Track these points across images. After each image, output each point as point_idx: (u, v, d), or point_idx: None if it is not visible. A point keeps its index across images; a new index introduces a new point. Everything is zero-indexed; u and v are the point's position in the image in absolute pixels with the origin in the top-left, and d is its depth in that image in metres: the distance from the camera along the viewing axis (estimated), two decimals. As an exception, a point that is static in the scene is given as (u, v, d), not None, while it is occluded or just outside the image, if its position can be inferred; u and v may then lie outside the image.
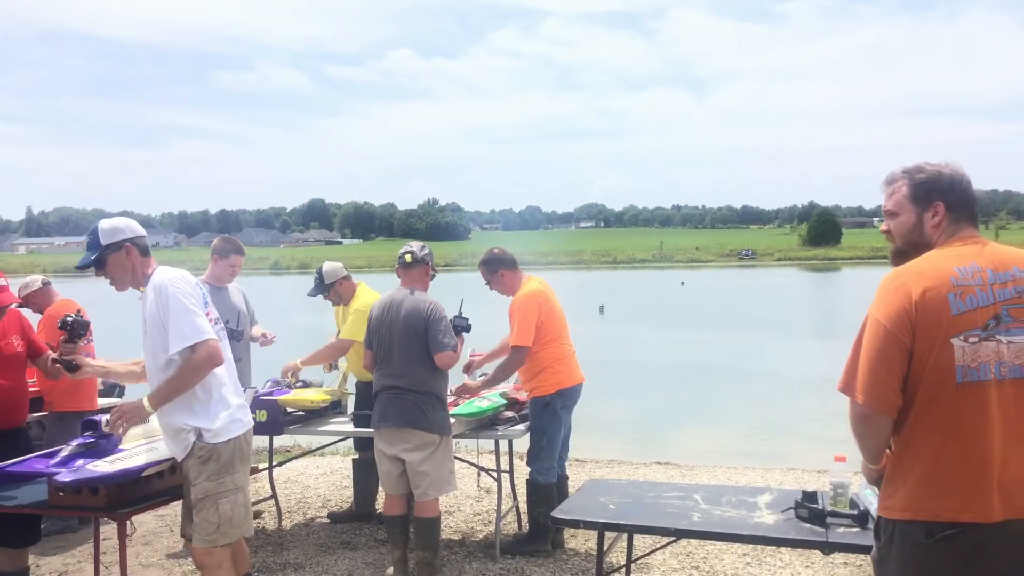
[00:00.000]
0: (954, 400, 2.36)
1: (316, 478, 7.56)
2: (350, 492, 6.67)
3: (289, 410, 5.61)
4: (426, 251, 5.16)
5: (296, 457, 7.42)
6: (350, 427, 5.63)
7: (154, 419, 4.30)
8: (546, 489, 5.31)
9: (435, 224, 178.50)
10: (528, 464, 5.42)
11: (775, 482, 7.07)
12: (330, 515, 6.27)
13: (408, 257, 5.08)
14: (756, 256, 76.71)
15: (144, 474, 3.77)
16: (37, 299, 6.17)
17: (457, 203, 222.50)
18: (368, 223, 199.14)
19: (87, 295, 6.26)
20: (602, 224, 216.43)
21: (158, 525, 6.20)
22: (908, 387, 2.42)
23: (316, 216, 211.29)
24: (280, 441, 7.46)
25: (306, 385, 5.94)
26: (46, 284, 6.26)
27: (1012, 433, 2.35)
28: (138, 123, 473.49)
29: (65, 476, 3.61)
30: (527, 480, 5.44)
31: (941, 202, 2.54)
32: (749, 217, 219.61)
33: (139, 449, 3.96)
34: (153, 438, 4.08)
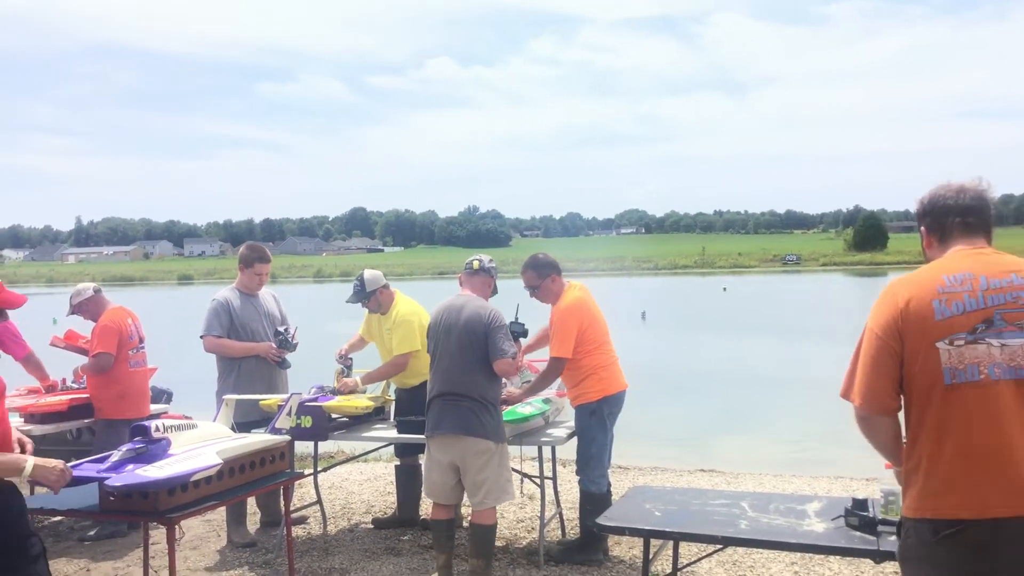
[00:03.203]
0: (945, 400, 2.50)
1: (360, 484, 7.60)
2: (394, 498, 6.69)
3: (333, 416, 5.64)
4: (493, 264, 5.23)
5: (340, 463, 7.47)
6: (394, 433, 5.65)
7: (204, 425, 4.38)
8: (597, 498, 5.27)
9: (476, 231, 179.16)
10: (578, 473, 5.39)
11: (823, 490, 6.96)
12: (374, 521, 6.30)
13: (475, 264, 5.15)
14: (801, 261, 75.92)
15: (192, 479, 3.80)
16: (89, 307, 6.28)
17: (497, 210, 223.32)
18: (409, 231, 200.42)
19: (133, 304, 6.39)
20: (643, 230, 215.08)
21: (205, 530, 6.27)
22: (904, 391, 2.58)
23: (358, 224, 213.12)
24: (324, 447, 7.52)
25: (350, 392, 5.96)
26: (97, 292, 6.36)
27: (1011, 432, 2.44)
28: (185, 134, 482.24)
29: (116, 481, 3.67)
30: (580, 489, 5.40)
31: (922, 227, 2.80)
32: (793, 222, 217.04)
33: (187, 454, 4.01)
34: (207, 443, 4.13)
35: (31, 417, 6.23)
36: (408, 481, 6.20)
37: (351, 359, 6.12)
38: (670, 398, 13.71)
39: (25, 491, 6.38)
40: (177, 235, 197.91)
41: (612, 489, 5.62)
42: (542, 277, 5.41)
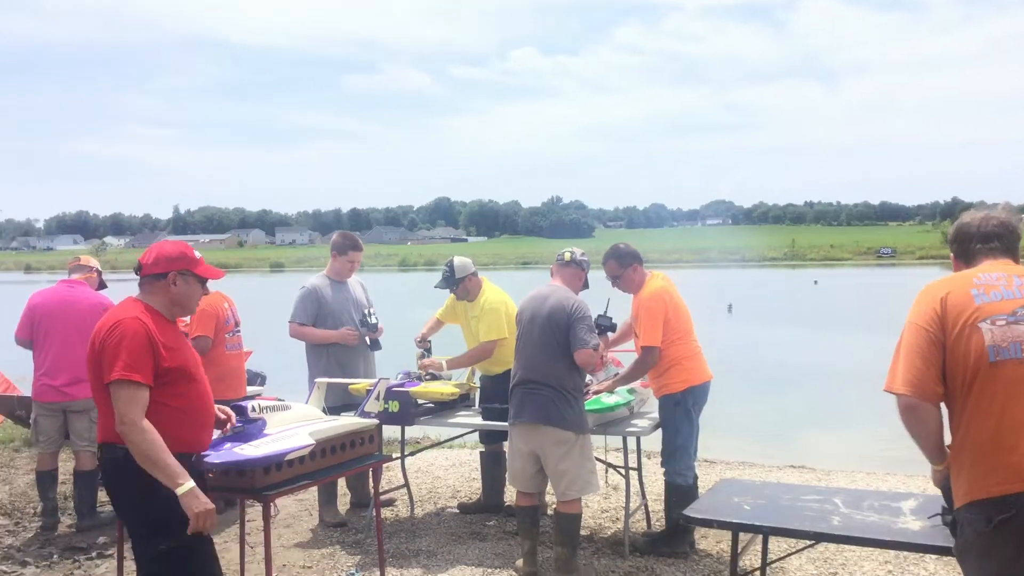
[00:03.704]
0: (990, 377, 2.58)
1: (445, 469, 7.70)
2: (478, 484, 6.76)
3: (420, 402, 5.72)
4: (585, 257, 5.22)
5: (426, 448, 7.57)
6: (478, 420, 5.71)
7: (297, 406, 4.49)
8: (684, 490, 5.23)
9: (559, 222, 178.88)
10: (663, 465, 5.36)
11: (918, 488, 6.75)
12: (459, 505, 6.38)
13: (567, 255, 5.15)
14: (896, 255, 73.51)
15: (287, 459, 3.91)
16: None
17: (581, 201, 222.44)
18: (492, 221, 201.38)
19: (228, 290, 6.59)
20: (730, 221, 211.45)
21: (298, 509, 6.44)
22: (948, 378, 2.67)
23: (442, 214, 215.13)
24: (410, 432, 7.64)
25: (435, 378, 6.05)
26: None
27: None
28: (275, 125, 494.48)
29: (214, 458, 3.79)
30: (665, 481, 5.38)
31: (951, 253, 3.02)
32: (888, 214, 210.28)
33: (283, 435, 4.12)
34: (300, 424, 4.24)
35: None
36: (492, 467, 6.25)
37: (430, 342, 6.21)
38: (757, 392, 13.47)
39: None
40: (269, 224, 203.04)
41: (698, 483, 5.58)
42: (624, 267, 5.38)
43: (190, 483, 3.19)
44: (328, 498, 6.12)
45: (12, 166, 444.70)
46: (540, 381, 4.78)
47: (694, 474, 5.37)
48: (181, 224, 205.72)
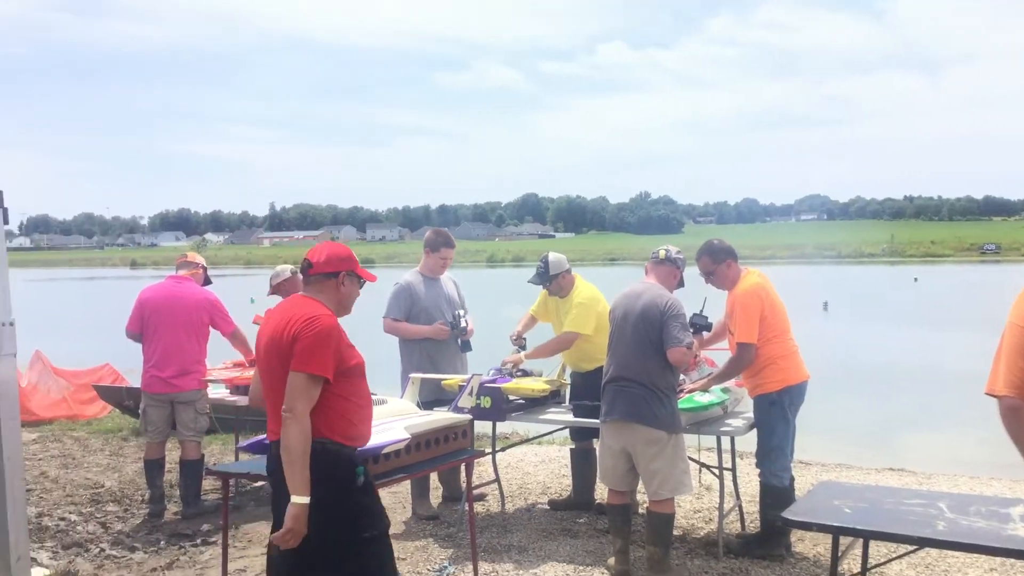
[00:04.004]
0: None
1: (535, 465, 7.73)
2: (568, 480, 6.77)
3: (511, 398, 5.76)
4: (681, 255, 5.17)
5: (516, 444, 7.63)
6: (569, 416, 5.72)
7: (392, 401, 4.58)
8: (780, 492, 5.14)
9: (647, 218, 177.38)
10: (758, 466, 5.27)
11: (1027, 495, 6.48)
12: (550, 502, 6.40)
13: (661, 253, 5.11)
14: (1001, 251, 70.51)
15: (383, 451, 3.99)
16: (287, 287, 6.68)
17: (670, 196, 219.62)
18: (580, 217, 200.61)
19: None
20: (825, 216, 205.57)
21: (391, 501, 6.56)
22: None
23: (530, 210, 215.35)
24: (499, 428, 7.69)
25: (526, 374, 6.08)
26: (294, 273, 6.76)
27: None
28: (366, 124, 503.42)
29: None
30: (760, 482, 5.29)
31: None
32: (992, 208, 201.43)
33: (379, 428, 4.21)
34: (395, 418, 4.32)
35: (235, 389, 6.70)
36: (583, 465, 6.25)
37: (524, 339, 6.24)
38: (854, 393, 13.11)
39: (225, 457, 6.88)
40: (360, 220, 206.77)
41: (795, 484, 5.47)
42: (717, 263, 5.30)
43: (307, 499, 3.25)
44: (421, 492, 6.22)
45: (119, 166, 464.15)
46: (632, 379, 4.76)
47: (790, 476, 5.27)
48: (276, 221, 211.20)
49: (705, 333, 5.42)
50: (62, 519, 6.30)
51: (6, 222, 4.70)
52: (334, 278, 3.52)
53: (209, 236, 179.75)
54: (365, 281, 3.69)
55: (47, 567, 5.22)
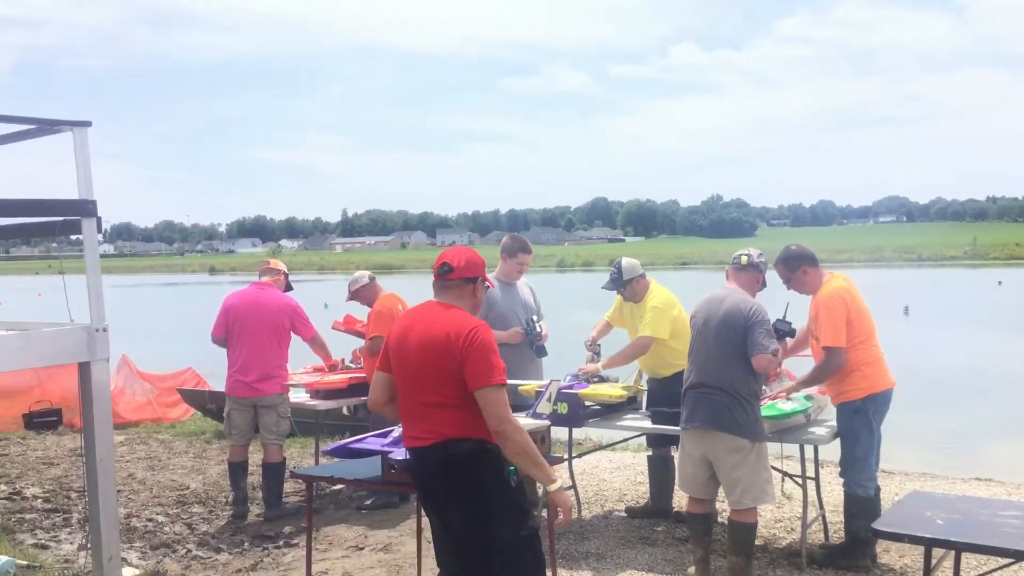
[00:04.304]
0: None
1: (610, 472, 7.69)
2: (644, 487, 6.72)
3: (588, 404, 5.74)
4: (762, 258, 5.06)
5: (592, 450, 7.59)
6: (647, 423, 5.67)
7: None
8: (865, 502, 5.02)
9: (719, 221, 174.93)
10: (842, 475, 5.15)
11: None
12: (627, 509, 6.35)
13: (743, 259, 5.01)
14: (1091, 253, 67.66)
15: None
16: (365, 293, 6.78)
17: (742, 199, 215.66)
18: (650, 220, 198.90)
19: (393, 290, 6.86)
20: (904, 218, 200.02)
21: (467, 506, 6.59)
22: None
23: (599, 214, 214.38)
24: (573, 434, 7.65)
25: (603, 380, 6.05)
26: (372, 279, 6.86)
27: None
28: (435, 130, 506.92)
29: (398, 454, 3.95)
30: (845, 492, 5.17)
31: None
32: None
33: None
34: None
35: (315, 393, 6.83)
36: (661, 472, 6.20)
37: (599, 345, 6.21)
38: (936, 400, 12.70)
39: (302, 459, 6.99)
40: (430, 226, 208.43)
41: (880, 494, 5.33)
42: (791, 270, 5.22)
43: (559, 482, 3.42)
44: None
45: (198, 174, 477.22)
46: (714, 385, 4.69)
47: (876, 485, 5.14)
48: (349, 227, 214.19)
49: (788, 340, 5.32)
50: (150, 520, 6.49)
51: (100, 231, 4.87)
52: (472, 283, 3.55)
53: (284, 242, 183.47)
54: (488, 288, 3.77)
55: (137, 567, 5.38)
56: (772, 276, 5.19)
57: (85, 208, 4.79)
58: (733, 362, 4.68)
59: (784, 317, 5.14)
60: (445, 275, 3.51)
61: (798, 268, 5.21)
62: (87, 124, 4.87)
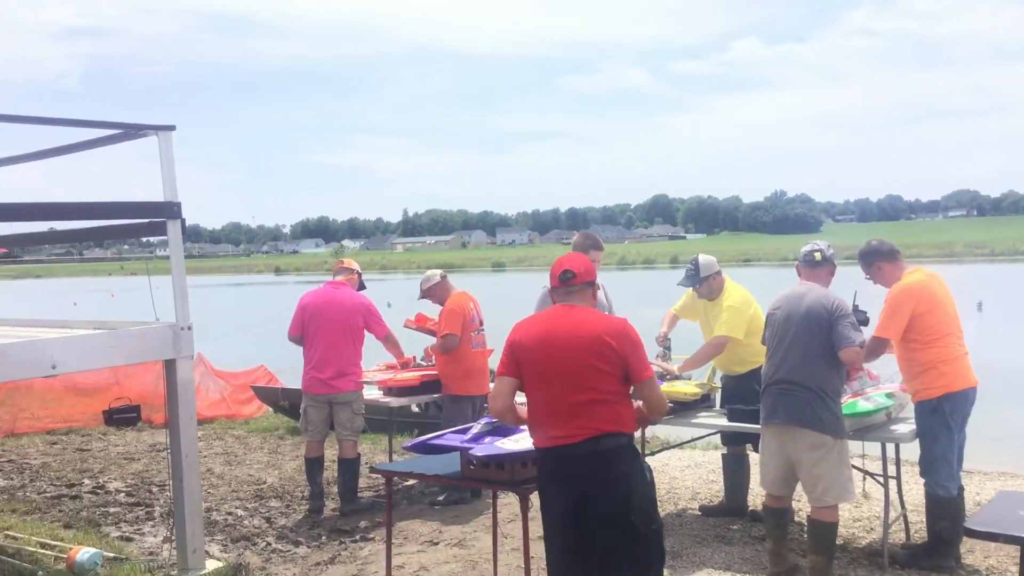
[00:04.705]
0: None
1: (681, 470, 7.64)
2: (717, 486, 6.66)
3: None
4: (832, 251, 5.03)
5: (663, 449, 7.55)
6: (722, 421, 5.62)
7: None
8: (947, 502, 4.91)
9: (782, 217, 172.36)
10: (923, 475, 5.04)
11: None
12: (701, 507, 6.31)
13: (816, 256, 4.97)
14: None
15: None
16: (437, 292, 6.85)
17: (807, 194, 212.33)
18: (712, 217, 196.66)
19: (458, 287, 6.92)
20: (975, 212, 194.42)
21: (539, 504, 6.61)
22: None
23: (659, 211, 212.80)
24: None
25: (676, 377, 6.01)
26: (443, 278, 6.92)
27: None
28: (494, 130, 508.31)
29: (478, 451, 3.99)
30: (925, 492, 5.07)
31: None
32: None
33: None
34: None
35: (388, 390, 6.93)
36: (736, 470, 6.14)
37: (670, 340, 6.18)
38: (1013, 397, 12.34)
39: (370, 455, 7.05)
40: (490, 225, 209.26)
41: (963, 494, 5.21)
42: (867, 265, 5.19)
43: None
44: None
45: (263, 177, 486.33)
46: (796, 381, 4.64)
47: (958, 485, 5.02)
48: (409, 227, 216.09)
49: (863, 328, 5.23)
50: (229, 513, 6.64)
51: (184, 233, 5.01)
52: (591, 287, 3.77)
53: (346, 243, 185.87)
54: None
55: (219, 559, 5.51)
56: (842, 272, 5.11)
57: (170, 210, 4.95)
58: (817, 358, 4.62)
59: (856, 306, 5.07)
60: (569, 280, 3.71)
61: (873, 264, 5.18)
62: (171, 128, 5.02)
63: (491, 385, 6.96)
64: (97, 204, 5.12)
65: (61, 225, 6.28)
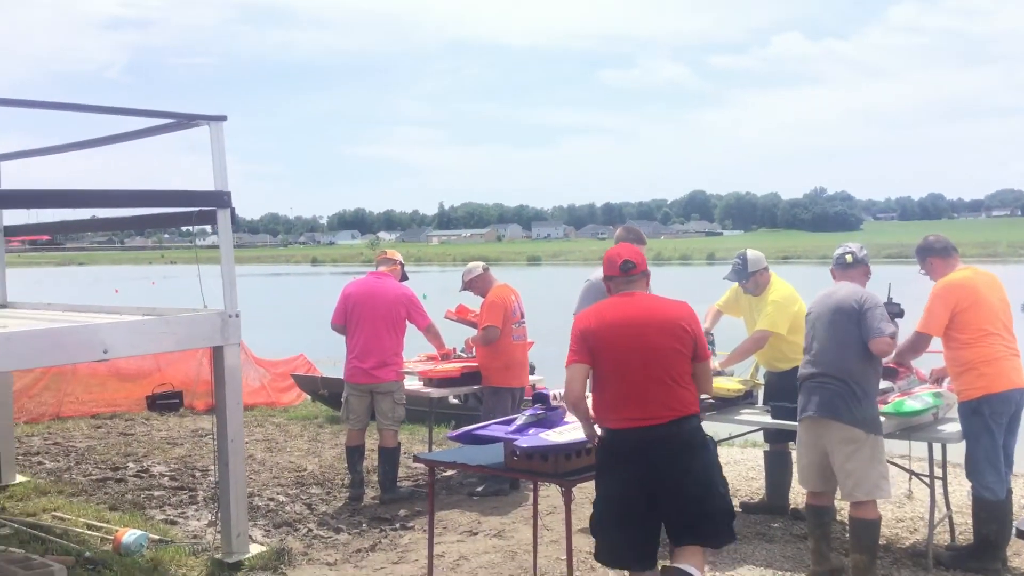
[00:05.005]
0: None
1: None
2: (757, 483, 6.62)
3: (704, 398, 5.67)
4: (865, 251, 5.02)
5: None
6: (766, 418, 5.58)
7: (588, 397, 4.61)
8: (994, 505, 4.85)
9: (822, 214, 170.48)
10: (968, 477, 4.98)
11: None
12: (742, 504, 6.26)
13: (848, 258, 4.96)
14: None
15: (588, 447, 4.04)
16: (479, 283, 6.88)
17: (847, 191, 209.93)
18: (749, 214, 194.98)
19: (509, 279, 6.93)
20: (1019, 212, 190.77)
21: (582, 496, 6.60)
22: None
23: (696, 207, 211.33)
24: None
25: (719, 373, 5.97)
26: (486, 270, 6.95)
27: None
28: (530, 123, 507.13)
29: (523, 443, 4.01)
30: (971, 494, 5.01)
31: None
32: None
33: (575, 425, 4.26)
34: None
35: (429, 381, 6.97)
36: (778, 468, 6.10)
37: (713, 335, 6.14)
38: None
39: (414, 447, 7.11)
40: (525, 219, 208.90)
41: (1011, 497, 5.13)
42: (921, 260, 5.23)
43: None
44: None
45: (300, 169, 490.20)
46: (830, 374, 4.63)
47: (1006, 488, 4.95)
48: (445, 220, 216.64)
49: (898, 321, 5.18)
50: (271, 499, 6.72)
51: (234, 222, 5.08)
52: (647, 276, 4.03)
53: (382, 234, 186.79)
54: None
55: (261, 544, 5.58)
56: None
57: (220, 199, 5.02)
58: (848, 350, 4.61)
59: (890, 298, 5.04)
60: (630, 271, 3.92)
61: (925, 259, 5.21)
62: (223, 118, 5.09)
63: (529, 378, 7.05)
64: (149, 192, 5.20)
65: (102, 213, 6.38)
